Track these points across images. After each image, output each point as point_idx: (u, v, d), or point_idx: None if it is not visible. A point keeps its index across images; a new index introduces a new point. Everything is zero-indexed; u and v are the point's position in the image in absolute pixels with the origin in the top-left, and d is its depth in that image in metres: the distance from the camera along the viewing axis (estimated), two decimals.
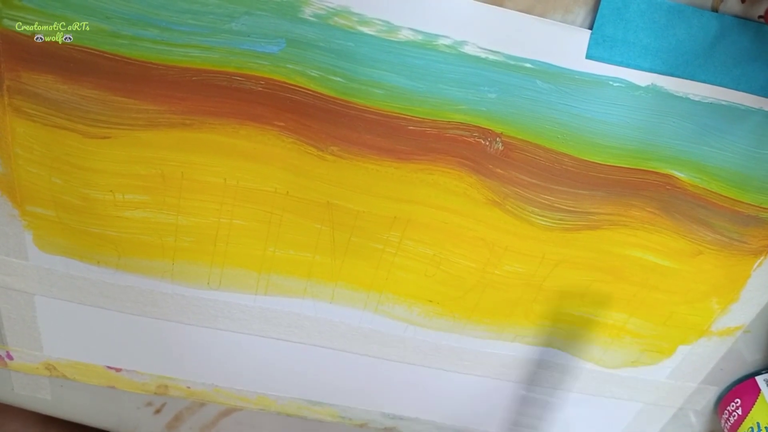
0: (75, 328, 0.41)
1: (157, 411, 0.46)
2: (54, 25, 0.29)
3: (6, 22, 0.29)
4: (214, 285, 0.38)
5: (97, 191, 0.34)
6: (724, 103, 0.32)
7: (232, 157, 0.33)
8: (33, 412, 0.47)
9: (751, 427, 0.43)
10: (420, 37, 0.30)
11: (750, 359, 0.44)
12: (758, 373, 0.44)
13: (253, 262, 0.38)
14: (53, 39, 0.29)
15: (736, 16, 0.30)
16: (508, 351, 0.42)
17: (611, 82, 0.31)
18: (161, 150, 0.33)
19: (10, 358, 0.43)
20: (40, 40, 0.29)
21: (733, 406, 0.44)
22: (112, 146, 0.33)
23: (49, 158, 0.33)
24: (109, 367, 0.43)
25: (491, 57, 0.30)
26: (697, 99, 0.32)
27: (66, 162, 0.33)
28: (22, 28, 0.29)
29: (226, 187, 0.34)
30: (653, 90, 0.31)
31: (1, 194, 0.35)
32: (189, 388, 0.44)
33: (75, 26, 0.29)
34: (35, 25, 0.29)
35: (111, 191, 0.34)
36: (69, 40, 0.29)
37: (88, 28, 0.29)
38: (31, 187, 0.34)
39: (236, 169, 0.34)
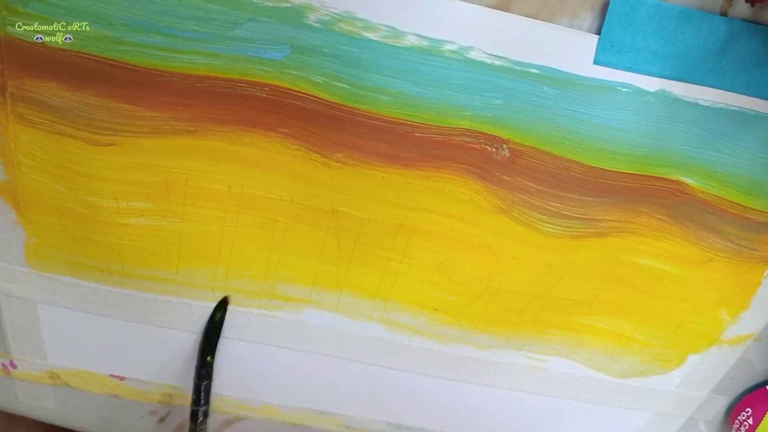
0: (78, 337, 0.41)
1: (162, 420, 0.46)
2: (54, 25, 0.29)
3: (9, 29, 0.29)
4: (218, 293, 0.38)
5: (101, 199, 0.34)
6: (734, 108, 0.32)
7: (236, 164, 0.33)
8: (38, 421, 0.47)
9: None
10: (425, 42, 0.30)
11: (761, 368, 0.43)
12: None
13: (258, 270, 0.37)
14: (53, 39, 0.29)
15: (746, 20, 0.30)
16: (516, 360, 0.41)
17: (619, 88, 0.31)
18: (165, 157, 0.33)
19: (14, 366, 0.43)
20: (40, 41, 0.29)
21: (744, 415, 0.44)
22: (116, 153, 0.32)
23: (53, 166, 0.33)
24: (112, 376, 0.43)
25: (497, 62, 0.30)
26: (706, 104, 0.31)
27: (69, 169, 0.33)
28: (22, 28, 0.29)
29: (230, 194, 0.34)
30: (662, 95, 0.31)
31: (4, 202, 0.34)
32: None
33: (75, 26, 0.29)
34: (35, 25, 0.29)
35: (115, 199, 0.34)
36: (69, 41, 0.29)
37: (88, 28, 0.29)
38: (34, 194, 0.34)
39: (240, 176, 0.34)
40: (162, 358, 0.42)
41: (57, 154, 0.32)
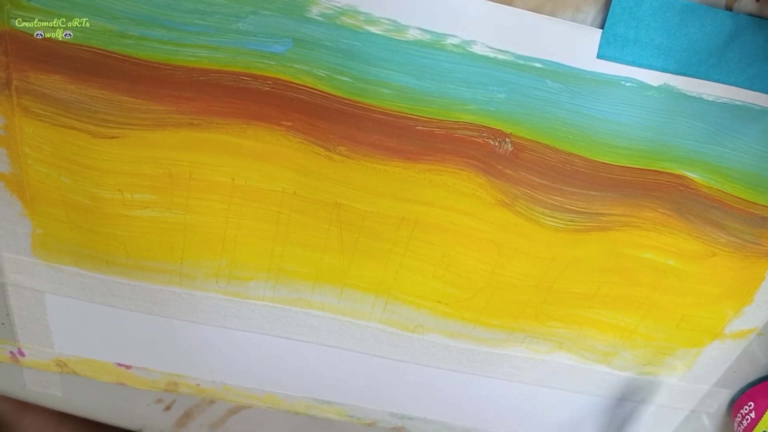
0: (85, 326, 0.41)
1: (167, 408, 0.46)
2: (54, 22, 0.29)
3: (13, 22, 0.29)
4: (222, 284, 0.38)
5: (106, 191, 0.34)
6: (738, 103, 0.31)
7: (239, 156, 0.33)
8: (47, 407, 0.47)
9: (765, 431, 0.42)
10: (428, 36, 0.30)
11: (764, 362, 0.43)
12: None
13: (261, 262, 0.37)
14: (53, 36, 0.29)
15: (751, 15, 0.29)
16: (518, 352, 0.42)
17: (623, 82, 0.31)
18: (169, 150, 0.33)
19: (22, 354, 0.43)
20: (41, 37, 0.29)
21: (746, 409, 0.44)
22: (120, 146, 0.33)
23: (58, 158, 0.33)
24: (119, 364, 0.43)
25: (500, 56, 0.30)
26: (710, 99, 0.31)
27: (74, 162, 0.33)
28: (22, 25, 0.29)
29: (233, 186, 0.34)
30: (666, 90, 0.31)
31: (10, 194, 0.35)
32: (198, 385, 0.44)
33: (75, 22, 0.29)
34: (35, 22, 0.29)
35: (119, 191, 0.34)
36: (69, 37, 0.29)
37: (88, 25, 0.29)
38: (40, 186, 0.34)
39: (244, 168, 0.34)
40: (168, 347, 0.42)
41: (62, 146, 0.33)
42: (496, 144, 0.32)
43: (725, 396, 0.45)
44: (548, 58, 0.30)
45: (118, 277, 0.38)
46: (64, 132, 0.32)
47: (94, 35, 0.29)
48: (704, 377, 0.44)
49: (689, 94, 0.31)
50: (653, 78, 0.31)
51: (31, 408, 0.50)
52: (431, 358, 0.42)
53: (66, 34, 0.29)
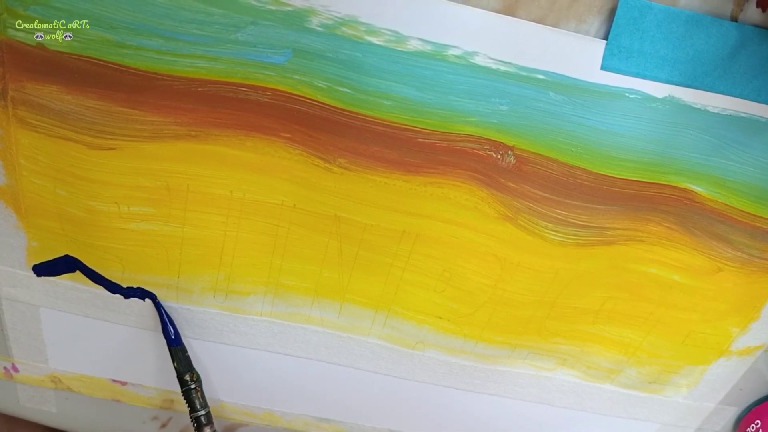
0: (80, 341, 0.40)
1: (163, 425, 0.45)
2: (54, 23, 0.28)
3: (10, 32, 0.29)
4: (219, 298, 0.38)
5: (102, 203, 0.34)
6: (743, 115, 0.31)
7: (238, 169, 0.33)
8: (40, 424, 0.46)
9: None
10: (429, 47, 0.29)
11: None
12: None
13: (260, 276, 0.37)
14: (53, 37, 0.29)
15: (757, 26, 0.29)
16: (520, 369, 0.41)
17: (627, 94, 0.30)
18: (166, 162, 0.32)
19: (16, 370, 0.42)
20: (40, 38, 0.29)
21: (753, 427, 0.43)
22: (117, 158, 0.32)
23: (54, 169, 0.33)
24: (114, 381, 0.43)
25: (502, 68, 0.30)
26: (716, 111, 0.31)
27: (70, 173, 0.33)
28: (22, 26, 0.28)
29: (232, 199, 0.34)
30: (670, 102, 0.31)
31: (5, 206, 0.34)
32: None
33: (75, 24, 0.28)
34: (35, 23, 0.28)
35: (116, 203, 0.34)
36: (69, 39, 0.29)
37: (88, 26, 0.28)
38: (35, 198, 0.34)
39: (242, 181, 0.33)
40: (164, 363, 0.41)
41: (58, 157, 0.32)
42: (499, 157, 0.32)
43: (731, 414, 0.45)
44: (551, 70, 0.30)
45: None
46: (61, 143, 0.32)
47: (91, 45, 0.29)
48: (710, 395, 0.43)
49: (694, 106, 0.31)
50: (658, 90, 0.30)
51: (23, 424, 0.49)
52: (432, 375, 0.41)
53: (66, 36, 0.29)
